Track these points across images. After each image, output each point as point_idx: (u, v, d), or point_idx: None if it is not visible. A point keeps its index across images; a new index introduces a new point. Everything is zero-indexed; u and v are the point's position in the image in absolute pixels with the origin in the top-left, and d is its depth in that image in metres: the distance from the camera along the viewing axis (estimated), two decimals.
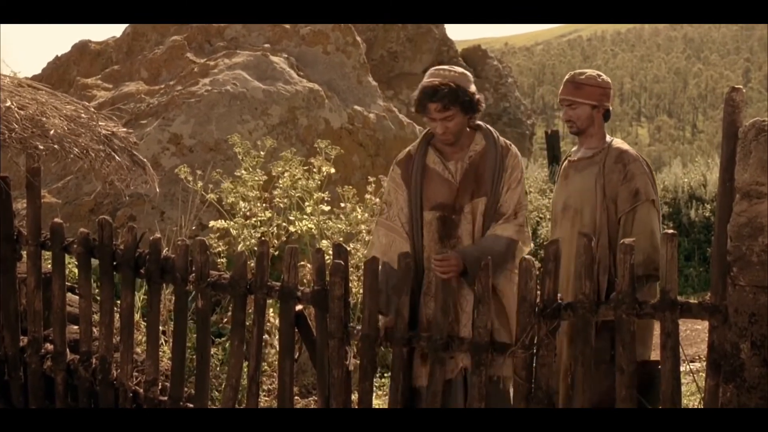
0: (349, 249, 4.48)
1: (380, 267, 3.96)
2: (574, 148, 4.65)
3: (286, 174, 6.98)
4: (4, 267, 4.87)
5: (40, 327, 4.82)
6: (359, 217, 6.94)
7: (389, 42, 18.50)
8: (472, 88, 4.06)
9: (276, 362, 6.11)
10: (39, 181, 4.82)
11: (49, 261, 4.87)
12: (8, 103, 4.63)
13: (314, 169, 7.23)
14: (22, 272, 4.96)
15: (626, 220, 4.29)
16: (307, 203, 6.95)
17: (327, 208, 7.00)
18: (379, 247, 4.11)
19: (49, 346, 4.80)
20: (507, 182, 4.04)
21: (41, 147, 4.60)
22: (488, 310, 3.68)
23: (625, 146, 4.46)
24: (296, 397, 5.17)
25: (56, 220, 4.82)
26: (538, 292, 3.59)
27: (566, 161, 4.63)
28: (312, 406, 5.97)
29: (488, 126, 4.21)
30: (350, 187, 7.34)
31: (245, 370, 4.60)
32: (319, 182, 7.14)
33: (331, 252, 4.68)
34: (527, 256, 3.62)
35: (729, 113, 3.40)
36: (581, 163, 4.48)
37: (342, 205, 7.20)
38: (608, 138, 4.50)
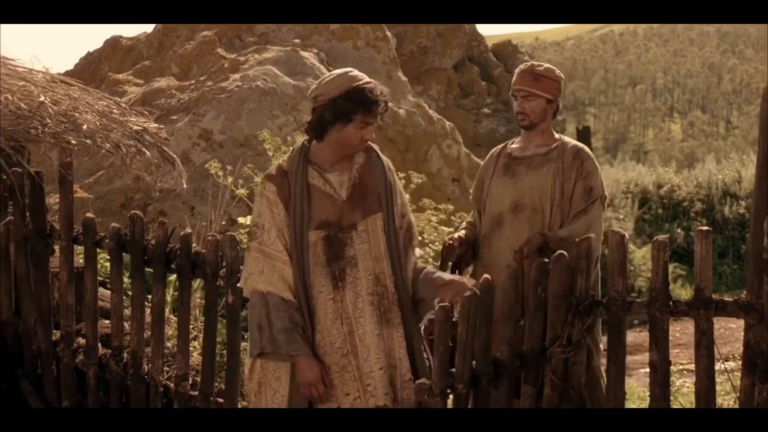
0: None
1: (261, 300, 3.47)
2: (515, 144, 4.39)
3: None
4: (37, 261, 4.90)
5: (73, 321, 4.85)
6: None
7: (419, 37, 18.45)
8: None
9: None
10: (71, 176, 4.85)
11: (82, 256, 4.90)
12: (42, 99, 4.66)
13: None
14: (54, 267, 5.00)
15: (576, 217, 4.17)
16: None
17: None
18: (259, 276, 3.50)
19: (82, 341, 4.83)
20: (398, 195, 3.63)
21: (74, 142, 4.63)
22: (511, 324, 3.60)
23: (579, 144, 4.33)
24: None
25: (88, 215, 4.85)
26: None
27: (503, 155, 4.36)
28: None
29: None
30: None
31: None
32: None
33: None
34: (562, 252, 3.57)
35: (766, 108, 3.34)
36: (534, 160, 4.26)
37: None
38: (556, 135, 4.35)
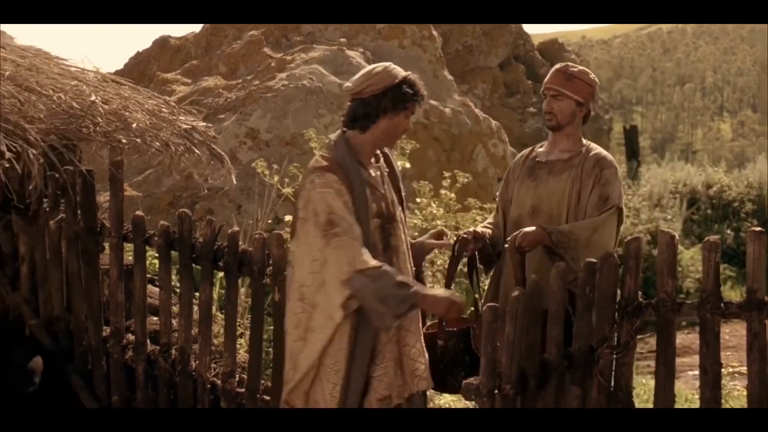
0: None
1: (367, 277, 3.41)
2: (542, 147, 4.26)
3: None
4: (88, 258, 4.97)
5: (122, 318, 4.91)
6: (434, 212, 6.92)
7: (464, 36, 18.38)
8: None
9: None
10: (122, 175, 4.90)
11: (131, 253, 4.96)
12: (93, 98, 4.72)
13: None
14: (104, 264, 5.06)
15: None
16: None
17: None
18: (360, 257, 3.44)
19: (131, 337, 4.88)
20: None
21: (124, 141, 4.69)
22: (560, 325, 3.58)
23: (604, 152, 4.16)
24: None
25: (138, 212, 4.90)
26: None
27: (530, 159, 4.26)
28: None
29: None
30: (426, 182, 7.33)
31: None
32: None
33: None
34: (611, 252, 3.54)
35: None
36: (557, 165, 4.11)
37: (417, 200, 7.19)
38: (584, 141, 4.19)
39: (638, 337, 3.56)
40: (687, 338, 9.77)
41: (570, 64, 4.24)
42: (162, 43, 13.31)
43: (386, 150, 3.81)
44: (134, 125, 4.74)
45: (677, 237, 3.55)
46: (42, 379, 4.88)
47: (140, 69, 13.00)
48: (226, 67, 11.06)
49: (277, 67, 10.05)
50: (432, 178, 8.67)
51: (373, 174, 3.66)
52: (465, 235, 4.13)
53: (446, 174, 7.27)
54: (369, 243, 3.52)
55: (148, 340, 4.85)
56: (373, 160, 3.71)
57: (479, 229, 4.25)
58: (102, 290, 5.04)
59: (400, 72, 3.63)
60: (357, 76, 3.67)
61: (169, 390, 4.75)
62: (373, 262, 3.44)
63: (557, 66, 4.20)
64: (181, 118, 5.14)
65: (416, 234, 6.49)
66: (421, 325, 3.78)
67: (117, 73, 11.73)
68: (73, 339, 5.05)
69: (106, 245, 5.03)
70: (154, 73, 11.85)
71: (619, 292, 3.54)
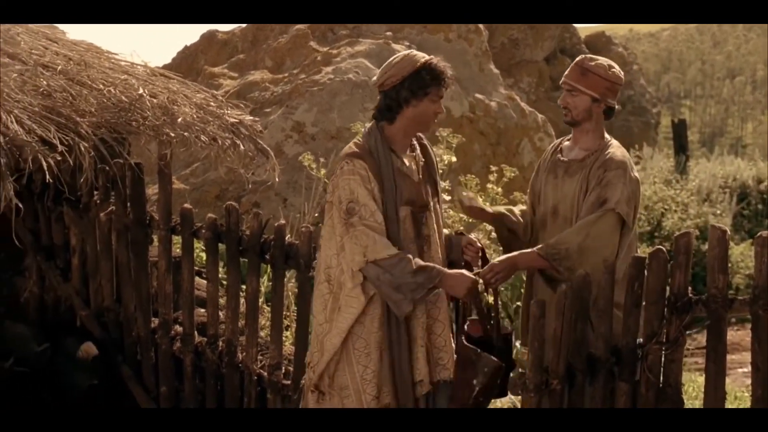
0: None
1: (383, 268, 3.48)
2: (567, 142, 4.10)
3: None
4: (137, 250, 5.03)
5: (170, 309, 4.96)
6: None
7: (510, 29, 18.27)
8: None
9: None
10: (170, 168, 4.95)
11: (179, 245, 5.01)
12: (141, 91, 4.78)
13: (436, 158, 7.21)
14: (153, 256, 5.12)
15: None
16: None
17: (447, 198, 6.97)
18: (375, 246, 3.51)
19: (179, 328, 4.93)
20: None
21: (172, 134, 4.73)
22: (609, 319, 3.55)
23: (616, 152, 3.90)
24: None
25: (186, 205, 4.95)
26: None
27: (556, 152, 4.11)
28: None
29: None
30: (472, 176, 7.30)
31: None
32: (441, 171, 7.12)
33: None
34: (660, 247, 3.50)
35: None
36: (572, 165, 3.97)
37: (463, 193, 7.16)
38: (606, 138, 3.98)
39: (686, 333, 3.52)
40: (736, 335, 9.63)
41: (589, 57, 4.03)
42: (209, 37, 13.41)
43: (425, 141, 3.83)
44: (181, 119, 4.79)
45: (728, 232, 3.49)
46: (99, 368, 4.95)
47: (188, 63, 13.12)
48: (272, 61, 11.11)
49: (323, 60, 10.08)
50: (477, 171, 8.64)
51: (407, 163, 3.70)
52: (473, 204, 4.12)
53: (493, 168, 7.23)
54: (396, 231, 3.58)
55: (196, 332, 4.90)
56: (409, 150, 3.74)
57: (495, 208, 4.20)
58: (151, 282, 5.09)
59: (420, 59, 3.62)
60: (381, 68, 3.72)
61: (216, 381, 4.79)
62: (387, 252, 3.50)
63: (577, 59, 4.02)
64: (228, 112, 5.17)
65: (461, 228, 6.48)
66: (454, 318, 3.81)
67: (165, 67, 11.82)
68: (122, 330, 5.12)
69: (155, 237, 5.09)
70: (202, 67, 11.95)
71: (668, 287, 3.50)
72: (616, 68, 3.97)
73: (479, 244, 3.83)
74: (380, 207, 3.57)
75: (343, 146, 8.88)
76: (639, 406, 3.53)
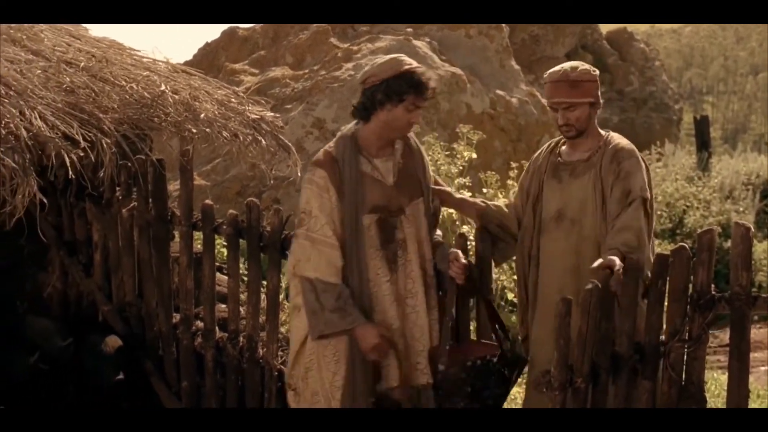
0: None
1: (310, 285, 3.57)
2: (564, 147, 4.05)
3: (428, 159, 6.98)
4: (159, 246, 5.04)
5: (192, 305, 4.97)
6: (501, 203, 6.87)
7: (531, 25, 18.20)
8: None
9: None
10: (191, 164, 4.96)
11: (200, 241, 5.02)
12: (163, 88, 4.79)
13: (456, 154, 7.20)
14: (174, 252, 5.13)
15: (618, 233, 3.73)
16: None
17: (468, 194, 6.96)
18: (307, 263, 3.60)
19: (200, 324, 4.95)
20: (428, 180, 3.82)
21: (194, 130, 4.75)
22: (633, 315, 3.53)
23: (622, 142, 3.91)
24: None
25: (207, 201, 4.95)
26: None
27: (554, 155, 4.06)
28: None
29: None
30: (492, 172, 7.28)
31: None
32: (461, 167, 7.11)
33: (472, 237, 4.65)
34: (683, 244, 3.47)
35: None
36: (578, 166, 3.93)
37: (483, 190, 7.15)
38: (603, 132, 3.98)
39: (709, 331, 3.50)
40: (759, 333, 9.55)
41: (567, 67, 3.92)
42: (230, 34, 13.45)
43: (413, 141, 3.78)
44: (203, 115, 4.80)
45: (752, 229, 3.45)
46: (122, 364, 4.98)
47: (209, 60, 13.17)
48: (293, 57, 11.14)
49: (343, 57, 10.09)
50: (498, 168, 8.62)
51: (380, 167, 3.65)
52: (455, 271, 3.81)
53: (513, 164, 7.21)
54: (355, 239, 3.58)
55: (217, 327, 4.91)
56: (387, 153, 3.69)
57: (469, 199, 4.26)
58: (172, 278, 5.11)
59: (404, 65, 3.56)
60: (367, 66, 3.71)
61: (236, 377, 4.80)
62: (315, 275, 3.56)
63: (552, 76, 3.92)
64: (249, 108, 5.18)
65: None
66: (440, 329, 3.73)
67: (186, 64, 11.89)
68: (144, 325, 5.14)
69: (176, 233, 5.10)
70: (223, 64, 12.00)
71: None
72: (588, 66, 3.96)
73: (464, 261, 3.73)
74: (336, 217, 3.57)
75: None
76: (661, 404, 3.52)
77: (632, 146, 3.93)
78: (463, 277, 3.70)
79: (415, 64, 3.60)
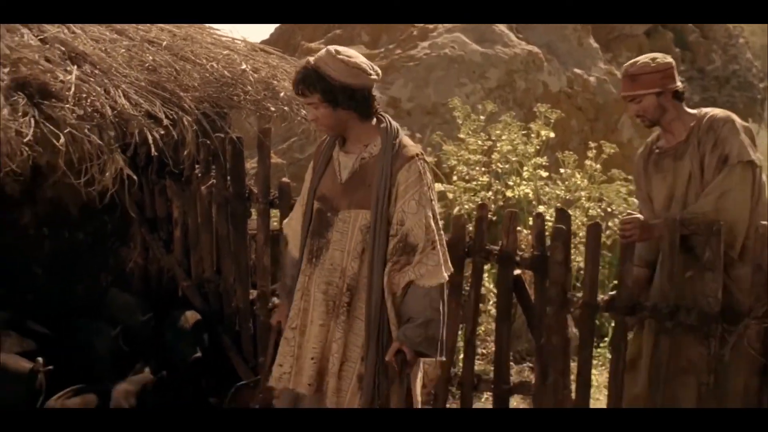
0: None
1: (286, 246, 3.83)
2: (660, 140, 4.17)
3: (504, 138, 6.92)
4: (236, 223, 5.10)
5: (268, 282, 5.02)
6: (578, 183, 6.79)
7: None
8: (345, 75, 3.36)
9: (487, 328, 6.15)
10: (269, 142, 5.00)
11: (277, 219, 5.07)
12: (243, 66, 4.84)
13: (532, 134, 7.13)
14: (252, 229, 5.19)
15: (707, 193, 3.84)
16: (525, 168, 6.87)
17: (545, 174, 6.89)
18: (288, 221, 3.85)
19: (276, 301, 5.00)
20: (402, 201, 3.37)
21: (272, 109, 4.79)
22: (719, 276, 3.51)
23: (716, 111, 3.98)
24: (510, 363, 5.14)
25: (284, 179, 4.99)
26: None
27: (653, 152, 4.14)
28: (526, 373, 5.95)
29: (395, 126, 3.50)
30: (570, 152, 7.19)
31: (460, 332, 4.65)
32: (537, 147, 7.04)
33: (549, 217, 4.61)
34: (763, 223, 3.41)
35: None
36: (679, 148, 4.01)
37: (561, 170, 7.07)
38: (694, 111, 4.04)
39: None
40: None
41: (629, 63, 4.13)
42: None
43: (402, 152, 3.43)
44: (282, 94, 4.84)
45: None
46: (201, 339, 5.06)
47: (285, 39, 13.22)
48: (368, 36, 11.12)
49: (419, 35, 10.03)
50: (575, 147, 8.50)
51: (341, 160, 3.53)
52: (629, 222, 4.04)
53: (591, 144, 7.10)
54: (307, 216, 3.61)
55: None
56: (357, 148, 3.50)
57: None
58: (249, 254, 5.17)
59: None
60: None
61: None
62: (285, 232, 3.83)
63: (621, 72, 4.19)
64: None
65: (558, 204, 6.38)
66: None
67: (263, 43, 11.99)
68: (222, 301, 5.22)
69: (254, 211, 5.15)
70: (299, 43, 12.04)
71: None
72: (659, 56, 4.08)
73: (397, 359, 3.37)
74: (307, 189, 3.65)
75: (438, 122, 8.89)
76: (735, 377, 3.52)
77: (728, 113, 3.99)
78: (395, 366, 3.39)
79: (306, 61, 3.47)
